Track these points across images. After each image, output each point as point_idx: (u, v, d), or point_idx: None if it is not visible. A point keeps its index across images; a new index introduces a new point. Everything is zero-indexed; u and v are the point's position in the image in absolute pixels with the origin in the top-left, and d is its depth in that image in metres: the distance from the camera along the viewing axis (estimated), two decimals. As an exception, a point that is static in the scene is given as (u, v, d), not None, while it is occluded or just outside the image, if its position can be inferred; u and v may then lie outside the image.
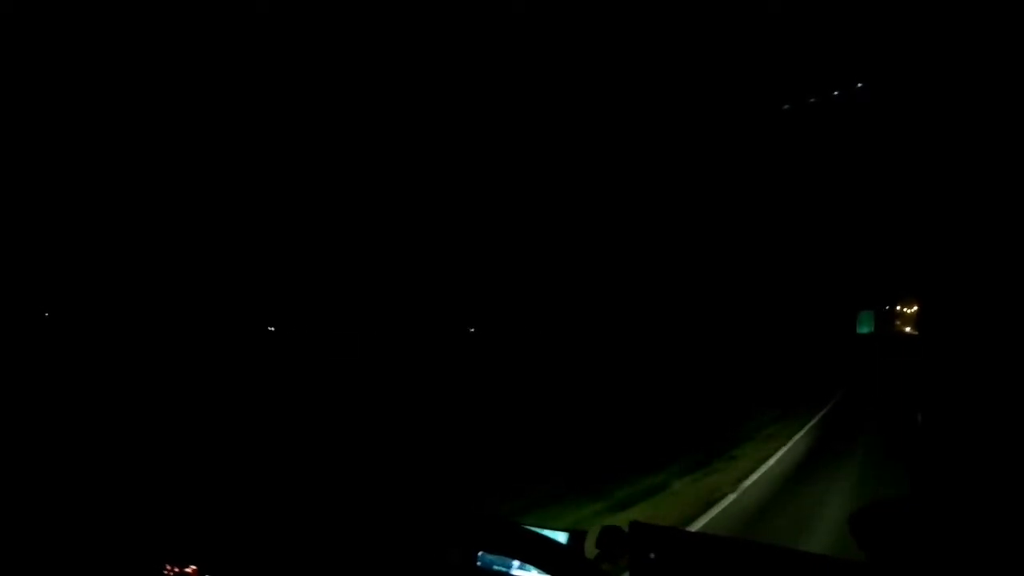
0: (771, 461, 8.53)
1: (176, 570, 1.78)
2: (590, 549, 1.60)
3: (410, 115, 12.15)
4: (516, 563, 1.64)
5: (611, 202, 15.72)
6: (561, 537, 1.62)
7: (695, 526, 5.51)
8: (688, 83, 14.04)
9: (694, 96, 14.42)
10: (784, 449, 9.37)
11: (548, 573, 1.56)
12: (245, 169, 10.92)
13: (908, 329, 47.49)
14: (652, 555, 1.50)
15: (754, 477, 7.57)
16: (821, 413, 13.42)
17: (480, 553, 1.67)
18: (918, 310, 43.46)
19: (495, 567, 1.66)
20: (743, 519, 5.85)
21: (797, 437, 10.43)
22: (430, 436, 8.70)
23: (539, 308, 14.44)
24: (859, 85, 12.75)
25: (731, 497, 6.58)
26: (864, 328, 31.41)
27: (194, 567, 1.77)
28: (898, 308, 49.96)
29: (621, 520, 1.66)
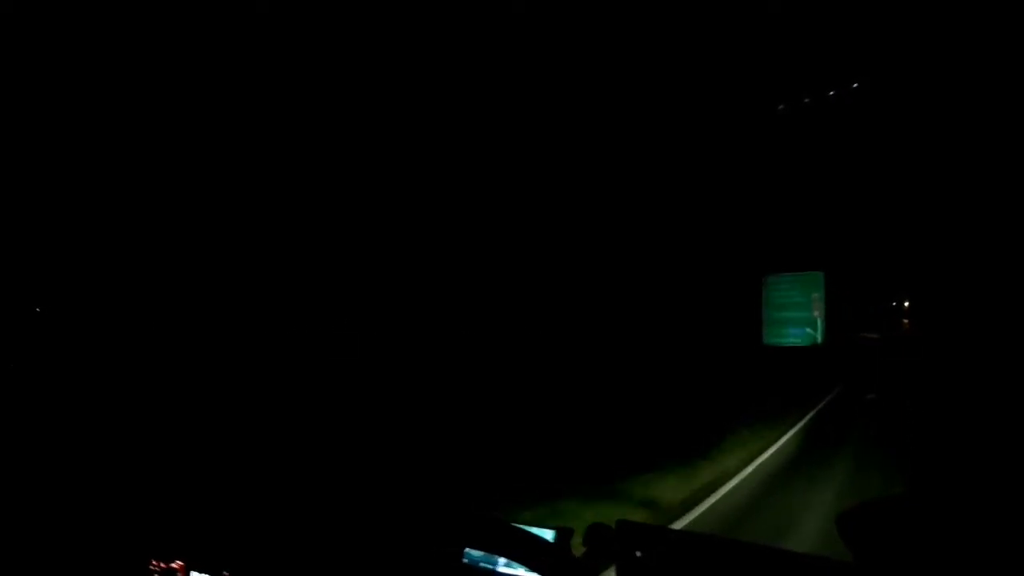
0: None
1: (162, 565, 1.77)
2: (577, 547, 1.60)
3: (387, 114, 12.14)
4: (502, 560, 1.64)
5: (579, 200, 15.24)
6: (548, 535, 1.62)
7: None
8: (682, 81, 14.03)
9: (688, 94, 14.42)
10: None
11: (535, 571, 1.56)
12: (216, 167, 10.87)
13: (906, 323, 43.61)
14: (639, 553, 1.50)
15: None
16: None
17: (466, 550, 1.67)
18: (910, 305, 42.17)
19: (481, 564, 1.66)
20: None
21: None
22: (418, 434, 8.69)
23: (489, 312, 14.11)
24: (854, 85, 12.82)
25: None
26: (789, 335, 13.10)
27: (180, 562, 1.77)
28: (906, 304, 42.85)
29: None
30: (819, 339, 12.47)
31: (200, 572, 1.75)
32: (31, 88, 9.20)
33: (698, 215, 18.78)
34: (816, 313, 12.73)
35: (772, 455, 8.78)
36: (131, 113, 10.36)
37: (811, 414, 12.15)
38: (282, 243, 11.88)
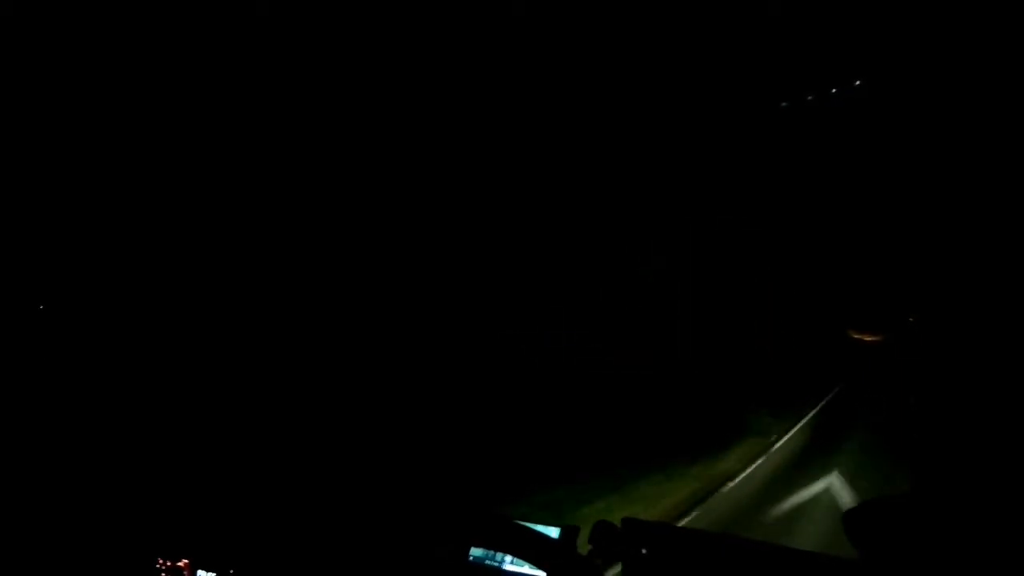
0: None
1: (168, 563, 1.78)
2: (583, 545, 1.60)
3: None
4: (508, 558, 1.65)
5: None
6: (553, 532, 1.62)
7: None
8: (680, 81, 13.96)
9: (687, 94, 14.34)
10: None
11: (540, 568, 1.56)
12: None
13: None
14: (644, 551, 1.50)
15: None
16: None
17: (472, 548, 1.67)
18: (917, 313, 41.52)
19: (487, 562, 1.66)
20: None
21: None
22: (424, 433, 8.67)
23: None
24: (856, 83, 12.78)
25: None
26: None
27: (186, 560, 1.77)
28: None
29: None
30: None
31: (206, 570, 1.76)
32: (33, 88, 9.21)
33: (700, 214, 18.64)
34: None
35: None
36: (133, 113, 10.36)
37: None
38: (280, 242, 11.83)
